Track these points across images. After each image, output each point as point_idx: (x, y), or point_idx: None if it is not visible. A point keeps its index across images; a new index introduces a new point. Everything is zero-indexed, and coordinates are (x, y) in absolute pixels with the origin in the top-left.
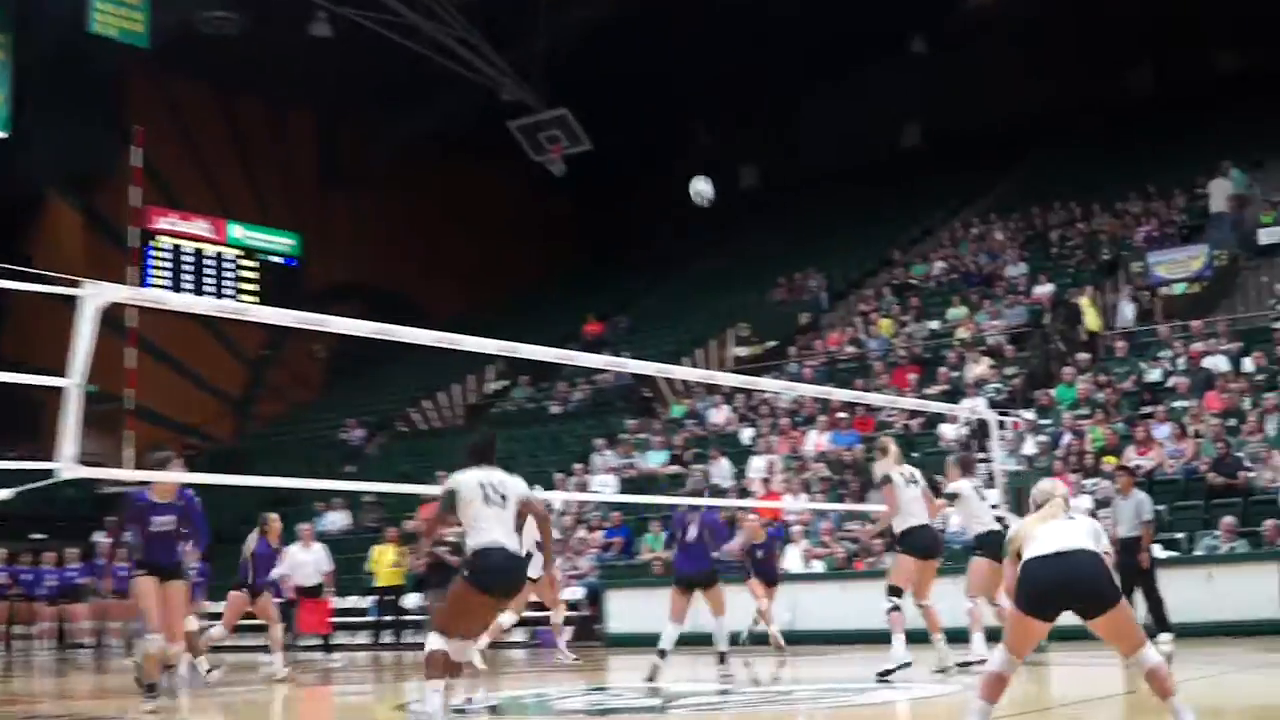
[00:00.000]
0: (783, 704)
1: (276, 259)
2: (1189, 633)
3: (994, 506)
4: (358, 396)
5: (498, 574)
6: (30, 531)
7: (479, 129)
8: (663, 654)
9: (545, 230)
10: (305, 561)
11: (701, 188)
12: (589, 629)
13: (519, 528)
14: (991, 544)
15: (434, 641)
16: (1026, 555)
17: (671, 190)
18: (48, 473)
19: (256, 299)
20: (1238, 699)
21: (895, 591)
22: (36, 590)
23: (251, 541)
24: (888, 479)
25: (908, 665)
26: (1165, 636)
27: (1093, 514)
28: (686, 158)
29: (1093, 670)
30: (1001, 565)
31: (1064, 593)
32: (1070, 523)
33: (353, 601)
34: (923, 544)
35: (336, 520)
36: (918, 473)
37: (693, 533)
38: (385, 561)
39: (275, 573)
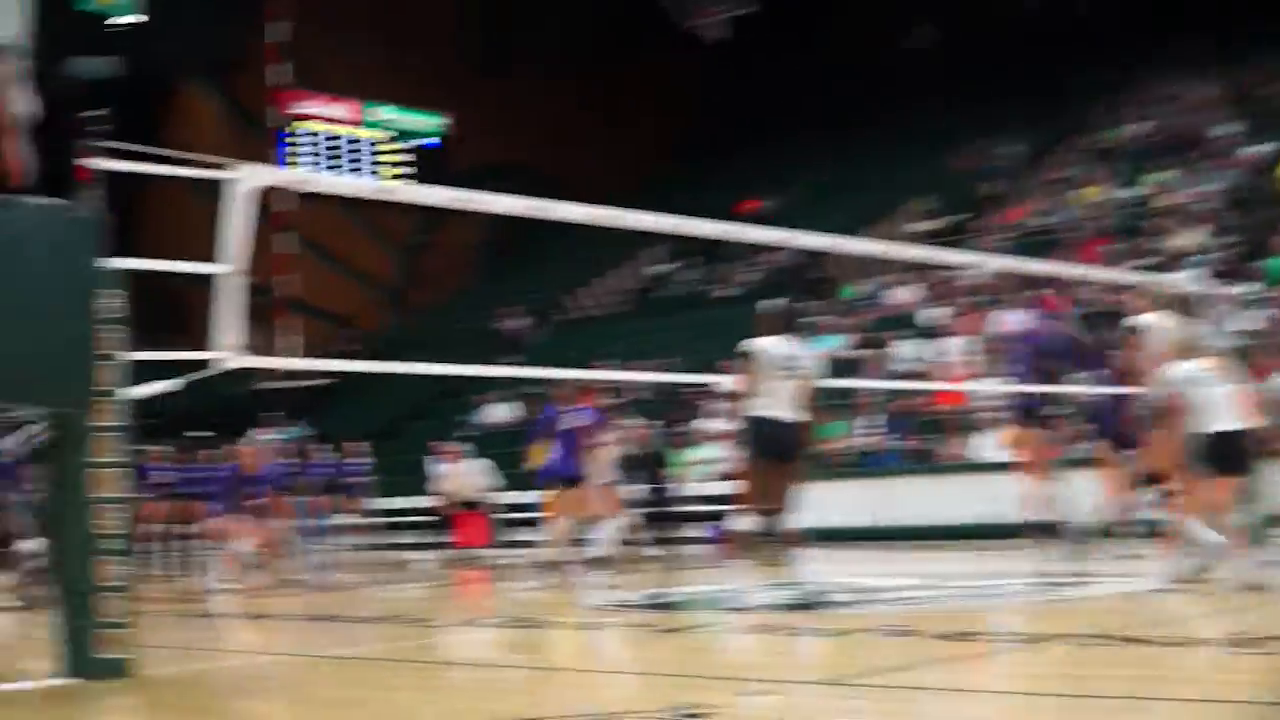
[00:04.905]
0: (990, 597)
1: (421, 141)
2: None
3: None
4: (513, 284)
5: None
6: (186, 429)
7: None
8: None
9: (700, 105)
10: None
11: None
12: None
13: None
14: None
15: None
16: (1219, 427)
17: (836, 50)
18: (206, 364)
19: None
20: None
21: None
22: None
23: None
24: None
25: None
26: None
27: None
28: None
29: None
30: None
31: (1247, 457)
32: (1229, 388)
33: (513, 497)
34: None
35: (497, 413)
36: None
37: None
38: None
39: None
